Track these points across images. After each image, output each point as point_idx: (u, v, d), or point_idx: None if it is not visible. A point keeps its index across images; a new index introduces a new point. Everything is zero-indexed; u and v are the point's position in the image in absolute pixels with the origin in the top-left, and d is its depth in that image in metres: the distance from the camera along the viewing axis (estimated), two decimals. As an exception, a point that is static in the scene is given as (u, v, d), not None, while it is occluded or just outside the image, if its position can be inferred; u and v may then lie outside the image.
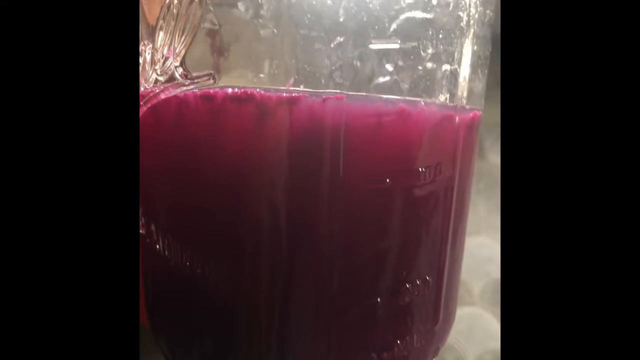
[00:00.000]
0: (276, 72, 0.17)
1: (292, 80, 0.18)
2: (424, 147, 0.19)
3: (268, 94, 0.17)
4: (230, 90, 0.17)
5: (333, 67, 0.17)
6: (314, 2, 0.16)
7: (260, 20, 0.17)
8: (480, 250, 0.23)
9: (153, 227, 0.21)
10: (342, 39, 0.17)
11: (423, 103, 0.18)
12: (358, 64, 0.17)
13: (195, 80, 0.17)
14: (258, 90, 0.17)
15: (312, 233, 0.18)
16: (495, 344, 0.33)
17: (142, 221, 0.22)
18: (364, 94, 0.18)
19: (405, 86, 0.19)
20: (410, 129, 0.18)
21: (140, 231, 0.22)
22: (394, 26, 0.18)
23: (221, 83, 0.18)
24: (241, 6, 0.17)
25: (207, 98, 0.17)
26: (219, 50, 0.18)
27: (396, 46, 0.18)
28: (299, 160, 0.17)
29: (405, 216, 0.20)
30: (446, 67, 0.20)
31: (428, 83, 0.19)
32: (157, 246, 0.21)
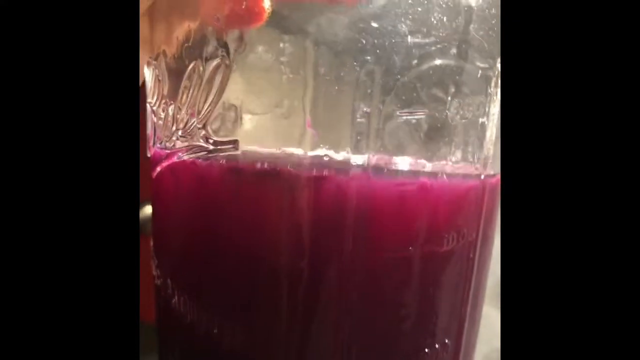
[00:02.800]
0: (297, 135, 0.17)
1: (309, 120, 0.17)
2: (448, 214, 0.19)
3: (294, 171, 0.16)
4: (258, 165, 0.16)
5: (358, 138, 0.17)
6: (342, 74, 0.16)
7: (285, 84, 0.17)
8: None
9: (169, 282, 0.21)
10: (368, 110, 0.17)
11: (446, 176, 0.18)
12: (384, 130, 0.17)
13: (218, 147, 0.17)
14: (285, 167, 0.16)
15: (330, 302, 0.18)
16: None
17: (157, 272, 0.22)
18: (389, 169, 0.17)
19: (432, 150, 0.18)
20: (434, 201, 0.18)
21: (156, 282, 0.22)
22: (421, 90, 0.17)
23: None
24: (266, 71, 0.17)
25: (233, 169, 0.17)
26: (241, 113, 0.18)
27: (422, 116, 0.17)
28: (320, 230, 0.17)
29: (426, 282, 0.19)
30: (473, 128, 0.19)
31: (454, 145, 0.19)
32: (173, 300, 0.21)
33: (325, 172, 0.17)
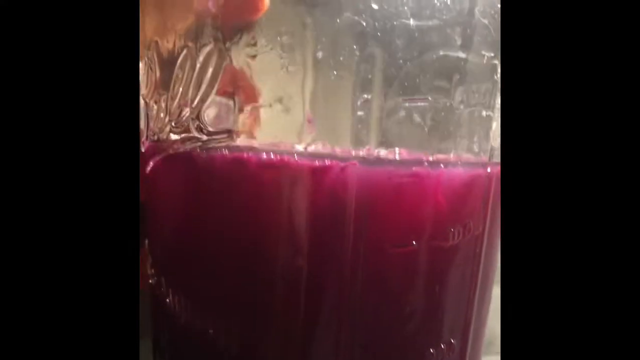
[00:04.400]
0: (296, 128, 0.16)
1: (310, 119, 0.17)
2: (452, 207, 0.18)
3: (294, 163, 0.16)
4: (255, 156, 0.16)
5: (359, 126, 0.16)
6: (341, 59, 0.15)
7: (282, 73, 0.16)
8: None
9: (164, 281, 0.20)
10: (369, 97, 0.16)
11: (450, 167, 0.17)
12: (386, 118, 0.16)
13: (213, 137, 0.16)
14: (284, 159, 0.16)
15: (331, 298, 0.17)
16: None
17: (151, 271, 0.21)
18: (391, 160, 0.16)
19: (436, 140, 0.18)
20: (438, 194, 0.17)
21: (150, 281, 0.21)
22: (424, 78, 0.17)
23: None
24: (263, 58, 0.16)
25: (229, 161, 0.16)
26: (238, 103, 0.17)
27: (426, 104, 0.16)
28: (320, 224, 0.16)
29: (431, 278, 0.18)
30: (478, 117, 0.18)
31: (459, 135, 0.18)
32: (167, 300, 0.20)
33: (325, 164, 0.16)
